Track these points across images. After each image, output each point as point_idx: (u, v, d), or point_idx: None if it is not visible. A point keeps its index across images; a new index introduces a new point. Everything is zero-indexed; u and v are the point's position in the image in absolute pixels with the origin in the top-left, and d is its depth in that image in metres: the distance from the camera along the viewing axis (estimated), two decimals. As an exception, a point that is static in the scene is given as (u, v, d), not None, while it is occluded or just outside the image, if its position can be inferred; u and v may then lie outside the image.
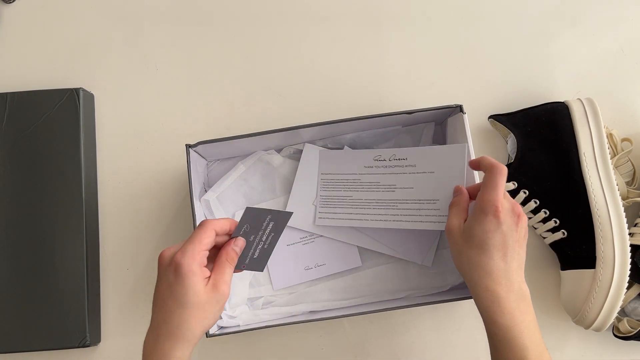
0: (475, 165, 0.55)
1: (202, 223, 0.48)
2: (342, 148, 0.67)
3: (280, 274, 0.65)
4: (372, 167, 0.64)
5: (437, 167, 0.62)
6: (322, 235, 0.65)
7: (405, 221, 0.62)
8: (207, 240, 0.47)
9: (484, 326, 0.51)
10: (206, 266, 0.48)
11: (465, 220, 0.53)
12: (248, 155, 0.67)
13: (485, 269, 0.50)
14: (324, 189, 0.65)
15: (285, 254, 0.65)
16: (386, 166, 0.64)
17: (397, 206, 0.63)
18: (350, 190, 0.64)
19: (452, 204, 0.55)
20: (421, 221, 0.62)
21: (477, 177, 0.60)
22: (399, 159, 0.64)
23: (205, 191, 0.66)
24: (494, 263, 0.50)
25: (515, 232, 0.50)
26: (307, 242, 0.65)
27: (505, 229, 0.49)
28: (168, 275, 0.47)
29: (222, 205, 0.65)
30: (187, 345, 0.47)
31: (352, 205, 0.64)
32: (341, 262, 0.65)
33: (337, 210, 0.64)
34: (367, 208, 0.63)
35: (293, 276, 0.65)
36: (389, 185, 0.63)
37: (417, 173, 0.63)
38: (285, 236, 0.65)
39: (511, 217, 0.50)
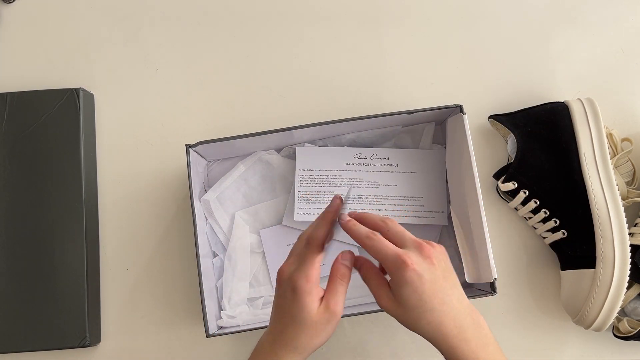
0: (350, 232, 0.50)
1: (308, 241, 0.48)
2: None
3: None
4: (353, 164, 0.65)
5: (418, 168, 0.65)
6: None
7: (391, 216, 0.62)
8: (319, 257, 0.48)
9: None
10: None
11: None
12: (248, 155, 0.67)
13: (434, 324, 0.47)
14: (301, 184, 0.65)
15: (285, 254, 0.64)
16: (368, 164, 0.65)
17: (381, 202, 0.64)
18: (331, 186, 0.65)
19: (367, 279, 0.50)
20: (406, 216, 0.64)
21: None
22: (380, 158, 0.65)
23: (205, 191, 0.66)
24: (437, 314, 0.46)
25: (436, 270, 0.47)
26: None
27: (427, 276, 0.46)
28: (286, 292, 0.48)
29: (222, 205, 0.65)
30: (298, 356, 0.48)
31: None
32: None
33: (317, 206, 0.64)
34: (350, 204, 0.64)
35: None
36: (373, 182, 0.65)
37: (400, 172, 0.65)
38: (285, 236, 0.65)
39: (423, 260, 0.46)
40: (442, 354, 0.48)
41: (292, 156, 0.67)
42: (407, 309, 0.47)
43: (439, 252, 0.48)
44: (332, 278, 0.49)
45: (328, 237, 0.50)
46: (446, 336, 0.47)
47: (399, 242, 0.48)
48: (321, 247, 0.48)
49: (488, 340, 0.48)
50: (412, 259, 0.46)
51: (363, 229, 0.49)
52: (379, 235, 0.48)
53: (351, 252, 0.50)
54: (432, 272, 0.46)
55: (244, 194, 0.66)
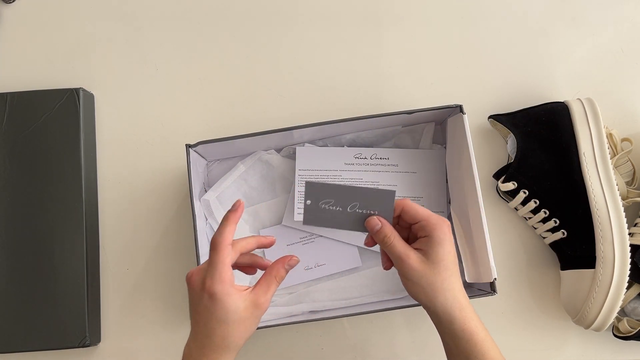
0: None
1: (214, 245, 0.49)
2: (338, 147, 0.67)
3: None
4: (353, 164, 0.65)
5: (418, 168, 0.65)
6: (321, 236, 0.65)
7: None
8: (228, 259, 0.49)
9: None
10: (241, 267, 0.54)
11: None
12: (248, 155, 0.67)
13: (456, 288, 0.50)
14: (301, 184, 0.65)
15: (285, 254, 0.64)
16: (368, 164, 0.65)
17: None
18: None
19: (385, 235, 0.52)
20: None
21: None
22: (380, 158, 0.65)
23: (205, 191, 0.66)
24: (456, 279, 0.51)
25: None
26: (306, 242, 0.65)
27: (452, 239, 0.51)
28: (203, 300, 0.48)
29: (222, 205, 0.65)
30: (231, 354, 0.49)
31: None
32: (341, 262, 0.64)
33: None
34: None
35: (293, 276, 0.64)
36: (373, 182, 0.65)
37: (400, 172, 0.65)
38: (285, 236, 0.65)
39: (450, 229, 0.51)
40: (452, 326, 0.50)
41: (292, 156, 0.67)
42: (439, 269, 0.50)
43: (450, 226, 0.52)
44: (267, 275, 0.50)
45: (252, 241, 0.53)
46: (462, 305, 0.50)
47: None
48: (228, 248, 0.49)
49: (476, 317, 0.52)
50: (447, 221, 0.51)
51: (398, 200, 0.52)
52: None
53: (297, 261, 0.51)
54: (452, 243, 0.51)
55: (244, 194, 0.66)
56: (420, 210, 0.51)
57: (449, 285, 0.50)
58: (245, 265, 0.55)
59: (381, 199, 0.53)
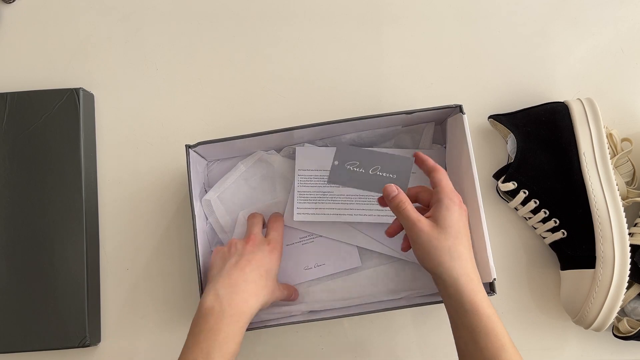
0: (421, 161, 0.58)
1: (281, 225, 0.62)
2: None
3: (280, 273, 0.64)
4: None
5: (418, 168, 0.64)
6: (321, 236, 0.65)
7: (390, 216, 0.63)
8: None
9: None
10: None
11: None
12: (248, 156, 0.67)
13: (464, 257, 0.51)
14: (301, 184, 0.65)
15: (285, 254, 0.64)
16: None
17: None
18: (331, 186, 0.65)
19: (400, 200, 0.54)
20: None
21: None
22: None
23: (206, 191, 0.66)
24: (466, 250, 0.52)
25: (467, 220, 0.55)
26: (306, 242, 0.65)
27: (465, 218, 0.54)
28: (262, 249, 0.58)
29: (223, 205, 0.65)
30: (252, 314, 0.55)
31: (333, 200, 0.64)
32: (341, 262, 0.64)
33: (317, 206, 0.64)
34: (349, 203, 0.64)
35: (293, 276, 0.65)
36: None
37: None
38: (285, 236, 0.65)
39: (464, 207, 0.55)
40: (459, 296, 0.50)
41: (292, 156, 0.67)
42: (447, 234, 0.51)
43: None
44: (289, 288, 0.62)
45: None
46: (470, 277, 0.51)
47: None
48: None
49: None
50: (457, 193, 0.54)
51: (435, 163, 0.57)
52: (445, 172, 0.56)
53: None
54: (466, 219, 0.54)
55: (245, 194, 0.66)
56: (443, 180, 0.55)
57: (456, 252, 0.51)
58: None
59: (400, 164, 0.58)
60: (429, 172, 0.57)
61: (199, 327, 0.51)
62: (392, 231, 0.59)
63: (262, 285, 0.55)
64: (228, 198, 0.66)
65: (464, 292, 0.50)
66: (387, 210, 0.64)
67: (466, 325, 0.50)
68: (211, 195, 0.64)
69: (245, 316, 0.53)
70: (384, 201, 0.57)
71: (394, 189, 0.55)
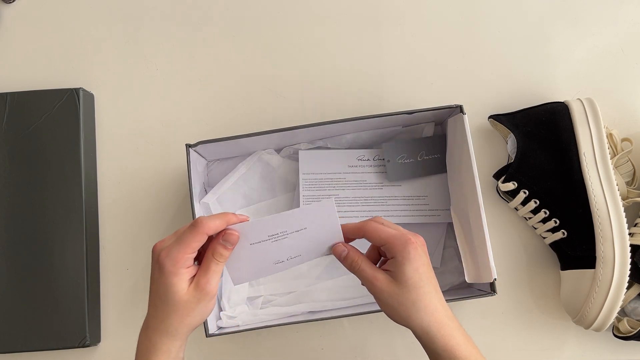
0: (346, 232, 0.52)
1: (194, 223, 0.47)
2: (340, 149, 0.67)
3: (240, 270, 0.53)
4: (357, 166, 0.65)
5: None
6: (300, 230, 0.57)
7: (396, 216, 0.63)
8: (195, 244, 0.47)
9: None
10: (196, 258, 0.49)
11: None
12: (248, 156, 0.67)
13: (431, 306, 0.48)
14: (306, 188, 0.65)
15: (247, 251, 0.52)
16: (371, 165, 0.65)
17: (386, 202, 0.65)
18: (336, 189, 0.65)
19: (352, 260, 0.51)
20: (412, 215, 0.64)
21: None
22: (382, 159, 0.65)
23: (206, 191, 0.66)
24: (432, 297, 0.49)
25: (427, 257, 0.50)
26: (277, 239, 0.52)
27: (424, 259, 0.49)
28: (154, 271, 0.48)
29: (222, 207, 0.65)
30: (172, 340, 0.47)
31: (338, 203, 0.64)
32: (319, 250, 0.54)
33: None
34: (355, 205, 0.64)
35: (258, 271, 0.55)
36: (377, 183, 0.65)
37: None
38: (250, 236, 0.52)
39: (421, 246, 0.49)
40: (433, 345, 0.48)
41: (292, 157, 0.67)
42: (408, 289, 0.48)
43: (424, 243, 0.50)
44: (206, 255, 0.48)
45: (220, 237, 0.48)
46: (441, 323, 0.48)
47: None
48: (204, 235, 0.47)
49: (462, 330, 0.50)
50: (413, 239, 0.48)
51: (358, 223, 0.51)
52: (376, 219, 0.51)
53: (236, 235, 0.48)
54: (426, 257, 0.49)
55: (244, 195, 0.66)
56: (383, 233, 0.49)
57: (421, 303, 0.48)
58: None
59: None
60: (359, 233, 0.51)
61: None
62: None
63: (161, 318, 0.48)
64: (228, 199, 0.66)
65: (436, 340, 0.48)
66: (396, 211, 0.64)
67: None
68: (209, 198, 0.64)
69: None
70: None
71: (343, 248, 0.51)
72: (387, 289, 0.49)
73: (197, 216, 0.59)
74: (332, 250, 0.52)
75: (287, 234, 0.51)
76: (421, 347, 0.65)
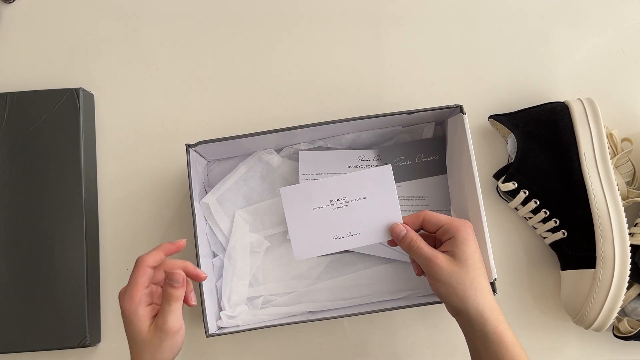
0: (413, 220, 0.55)
1: (136, 262, 0.51)
2: (340, 149, 0.67)
3: (303, 241, 0.56)
4: (357, 166, 0.65)
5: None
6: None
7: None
8: (142, 279, 0.50)
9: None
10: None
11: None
12: (248, 156, 0.67)
13: (486, 289, 0.52)
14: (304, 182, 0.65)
15: (311, 219, 0.56)
16: (371, 165, 0.65)
17: None
18: None
19: (411, 239, 0.53)
20: None
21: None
22: (381, 159, 0.65)
23: (206, 191, 0.66)
24: (485, 281, 0.52)
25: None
26: (337, 206, 0.55)
27: (477, 242, 0.53)
28: (121, 313, 0.51)
29: (222, 207, 0.65)
30: None
31: None
32: (380, 232, 0.56)
33: None
34: None
35: (321, 245, 0.56)
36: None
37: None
38: (313, 198, 0.56)
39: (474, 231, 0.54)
40: (485, 328, 0.50)
41: (292, 157, 0.67)
42: (467, 268, 0.51)
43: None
44: (162, 299, 0.51)
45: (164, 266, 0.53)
46: (492, 307, 0.51)
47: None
48: (147, 269, 0.51)
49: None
50: (469, 222, 0.53)
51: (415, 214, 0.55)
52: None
53: (181, 275, 0.50)
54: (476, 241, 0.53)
55: (244, 195, 0.66)
56: (441, 216, 0.54)
57: (478, 284, 0.51)
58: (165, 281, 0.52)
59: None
60: (417, 220, 0.55)
61: None
62: (419, 272, 0.57)
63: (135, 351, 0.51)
64: (227, 199, 0.66)
65: (488, 323, 0.50)
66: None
67: (491, 354, 0.50)
68: (209, 198, 0.64)
69: None
70: (394, 242, 0.56)
71: (401, 228, 0.54)
72: (447, 267, 0.51)
73: (197, 216, 0.59)
74: (391, 230, 0.55)
75: (348, 202, 0.55)
76: (421, 347, 0.65)
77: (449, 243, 0.53)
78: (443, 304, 0.54)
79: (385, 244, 0.62)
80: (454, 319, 0.54)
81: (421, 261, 0.53)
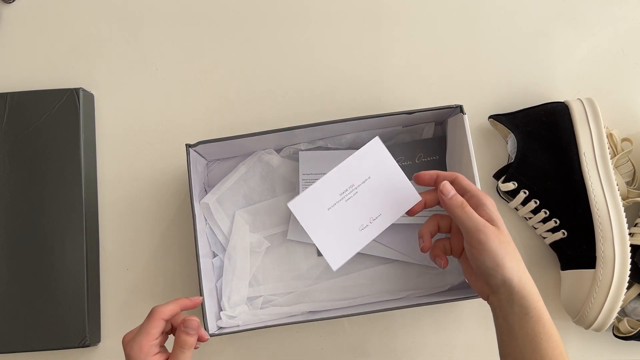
0: (428, 177, 0.54)
1: (150, 312, 0.51)
2: (340, 149, 0.67)
3: (333, 247, 0.54)
4: None
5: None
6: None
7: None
8: (155, 330, 0.50)
9: (496, 327, 0.50)
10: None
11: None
12: (248, 156, 0.67)
13: (522, 263, 0.50)
14: (305, 188, 0.64)
15: (329, 218, 0.54)
16: None
17: None
18: None
19: (462, 202, 0.51)
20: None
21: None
22: None
23: (206, 191, 0.66)
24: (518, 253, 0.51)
25: None
26: (348, 196, 0.54)
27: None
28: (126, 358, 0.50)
29: (222, 207, 0.65)
30: None
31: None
32: (398, 205, 0.55)
33: None
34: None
35: (351, 244, 0.54)
36: None
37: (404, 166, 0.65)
38: (324, 200, 0.55)
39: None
40: (525, 302, 0.48)
41: (292, 157, 0.67)
42: (509, 239, 0.50)
43: None
44: (174, 347, 0.51)
45: (179, 319, 0.52)
46: (532, 282, 0.49)
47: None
48: (161, 321, 0.51)
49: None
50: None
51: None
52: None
53: (196, 321, 0.51)
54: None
55: (244, 195, 0.66)
56: (471, 184, 0.53)
57: (518, 255, 0.49)
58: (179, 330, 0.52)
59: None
60: (446, 180, 0.53)
61: None
62: (428, 245, 0.55)
63: None
64: (227, 199, 0.66)
65: (530, 297, 0.48)
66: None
67: (528, 332, 0.47)
68: (209, 198, 0.64)
69: None
70: (413, 212, 0.54)
71: (450, 187, 0.51)
72: (497, 235, 0.49)
73: (197, 216, 0.59)
74: (441, 187, 0.52)
75: (356, 188, 0.53)
76: (421, 347, 0.64)
77: (480, 209, 0.50)
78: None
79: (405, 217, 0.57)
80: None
81: (469, 227, 0.49)
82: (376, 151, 0.54)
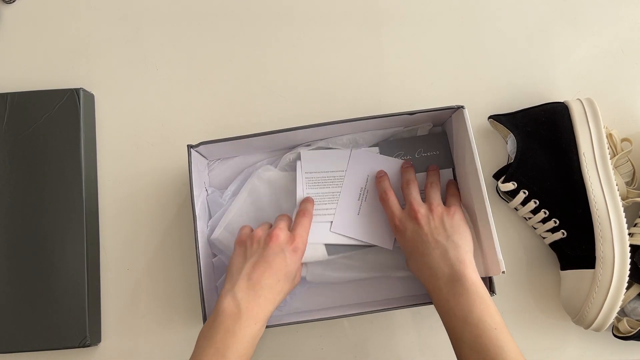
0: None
1: (304, 213, 0.61)
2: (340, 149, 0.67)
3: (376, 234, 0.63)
4: None
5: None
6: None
7: None
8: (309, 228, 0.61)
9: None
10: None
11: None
12: (248, 155, 0.67)
13: (415, 270, 0.59)
14: (310, 187, 0.65)
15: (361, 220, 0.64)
16: None
17: None
18: (337, 187, 0.64)
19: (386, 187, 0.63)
20: None
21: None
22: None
23: (207, 191, 0.65)
24: (418, 263, 0.58)
25: (420, 229, 0.58)
26: (364, 196, 0.65)
27: (408, 233, 0.59)
28: (285, 253, 0.56)
29: (232, 236, 0.63)
30: (272, 309, 0.57)
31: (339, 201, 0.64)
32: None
33: (324, 207, 0.64)
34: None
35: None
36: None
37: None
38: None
39: (410, 220, 0.59)
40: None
41: (290, 166, 0.66)
42: (405, 252, 0.60)
43: (430, 215, 0.58)
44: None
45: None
46: (425, 281, 0.57)
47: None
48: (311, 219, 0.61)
49: (464, 291, 0.54)
50: (399, 217, 0.60)
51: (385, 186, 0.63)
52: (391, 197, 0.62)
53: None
54: (415, 231, 0.58)
55: (254, 218, 0.64)
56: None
57: (410, 267, 0.60)
58: None
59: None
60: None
61: (214, 328, 0.52)
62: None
63: (279, 290, 0.56)
64: (237, 228, 0.63)
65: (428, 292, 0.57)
66: None
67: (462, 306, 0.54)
68: (217, 232, 0.63)
69: (261, 321, 0.54)
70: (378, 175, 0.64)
71: (382, 172, 0.65)
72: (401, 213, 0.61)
73: (197, 216, 0.59)
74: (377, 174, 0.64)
75: (366, 188, 0.65)
76: (421, 347, 0.65)
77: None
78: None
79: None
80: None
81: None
82: (358, 155, 0.65)
